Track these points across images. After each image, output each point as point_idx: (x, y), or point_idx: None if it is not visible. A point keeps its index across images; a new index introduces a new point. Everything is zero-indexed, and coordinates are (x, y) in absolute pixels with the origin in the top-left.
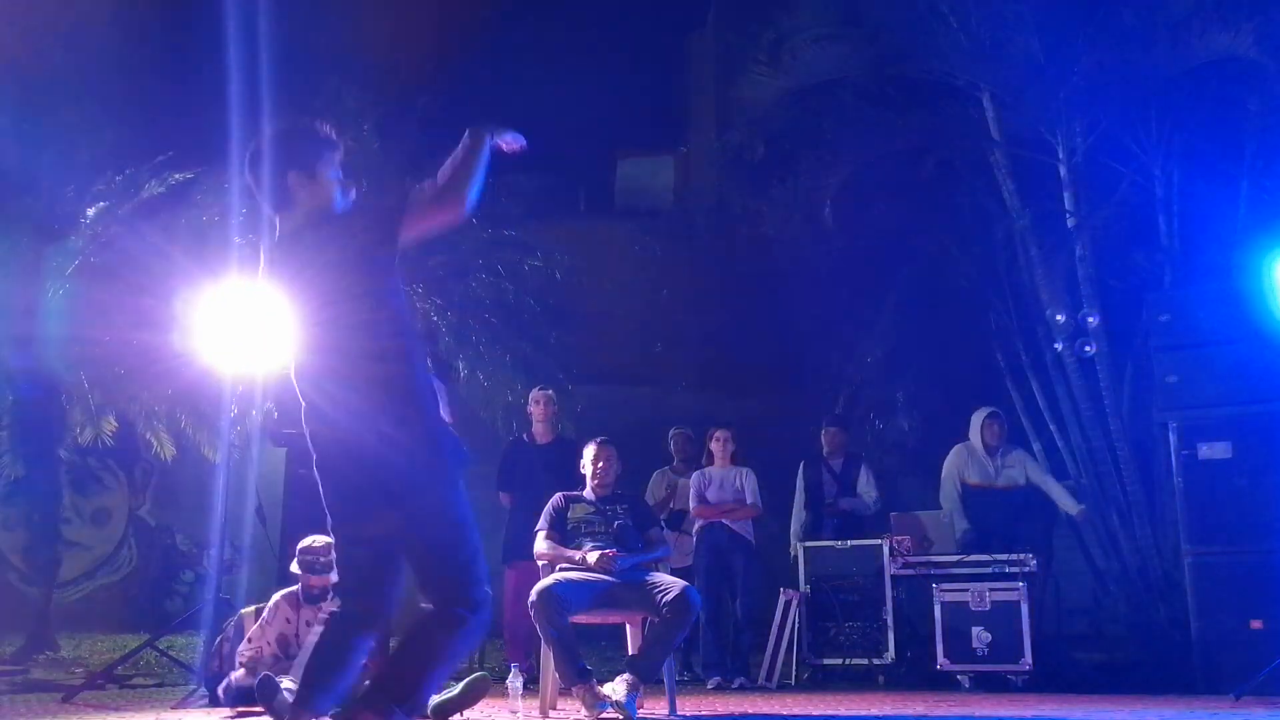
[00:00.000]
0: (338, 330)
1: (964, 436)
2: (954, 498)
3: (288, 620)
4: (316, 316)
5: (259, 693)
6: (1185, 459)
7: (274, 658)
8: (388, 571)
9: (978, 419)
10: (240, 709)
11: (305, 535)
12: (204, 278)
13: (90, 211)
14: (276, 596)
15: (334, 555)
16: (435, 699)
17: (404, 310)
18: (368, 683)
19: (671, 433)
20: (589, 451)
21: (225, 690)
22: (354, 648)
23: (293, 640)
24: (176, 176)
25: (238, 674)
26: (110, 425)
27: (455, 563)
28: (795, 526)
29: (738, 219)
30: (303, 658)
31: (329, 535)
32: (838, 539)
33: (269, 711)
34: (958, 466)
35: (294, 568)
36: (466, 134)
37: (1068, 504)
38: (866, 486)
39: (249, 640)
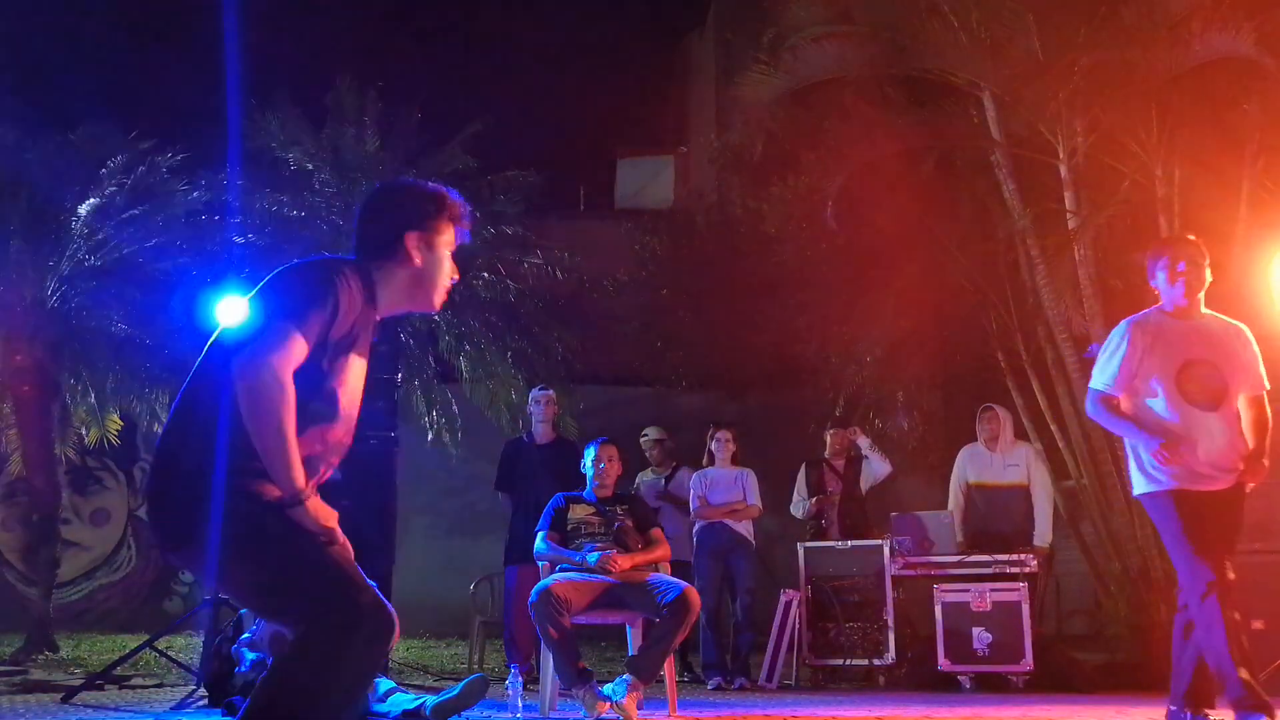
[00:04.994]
0: None
1: (963, 436)
2: (957, 501)
3: None
4: None
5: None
6: None
7: None
8: None
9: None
10: None
11: None
12: (204, 275)
13: (82, 210)
14: None
15: None
16: (434, 700)
17: None
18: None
19: (642, 438)
20: (590, 452)
21: None
22: None
23: None
24: (164, 161)
25: None
26: (116, 424)
27: None
28: (796, 499)
29: (738, 219)
30: None
31: None
32: (841, 538)
33: None
34: (962, 467)
35: None
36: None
37: (1041, 530)
38: (871, 451)
39: None
